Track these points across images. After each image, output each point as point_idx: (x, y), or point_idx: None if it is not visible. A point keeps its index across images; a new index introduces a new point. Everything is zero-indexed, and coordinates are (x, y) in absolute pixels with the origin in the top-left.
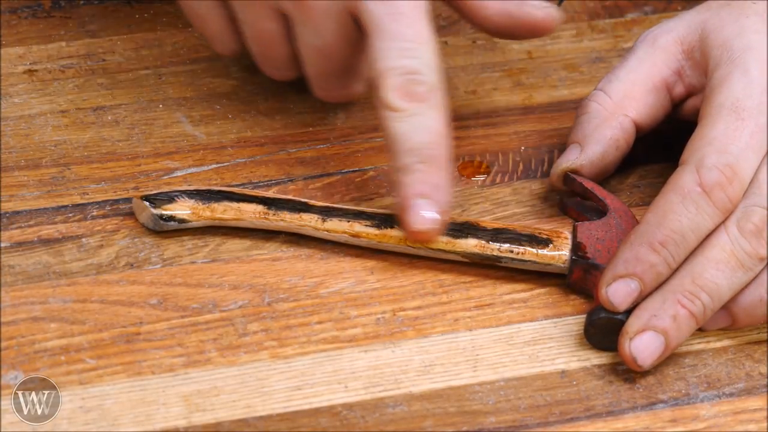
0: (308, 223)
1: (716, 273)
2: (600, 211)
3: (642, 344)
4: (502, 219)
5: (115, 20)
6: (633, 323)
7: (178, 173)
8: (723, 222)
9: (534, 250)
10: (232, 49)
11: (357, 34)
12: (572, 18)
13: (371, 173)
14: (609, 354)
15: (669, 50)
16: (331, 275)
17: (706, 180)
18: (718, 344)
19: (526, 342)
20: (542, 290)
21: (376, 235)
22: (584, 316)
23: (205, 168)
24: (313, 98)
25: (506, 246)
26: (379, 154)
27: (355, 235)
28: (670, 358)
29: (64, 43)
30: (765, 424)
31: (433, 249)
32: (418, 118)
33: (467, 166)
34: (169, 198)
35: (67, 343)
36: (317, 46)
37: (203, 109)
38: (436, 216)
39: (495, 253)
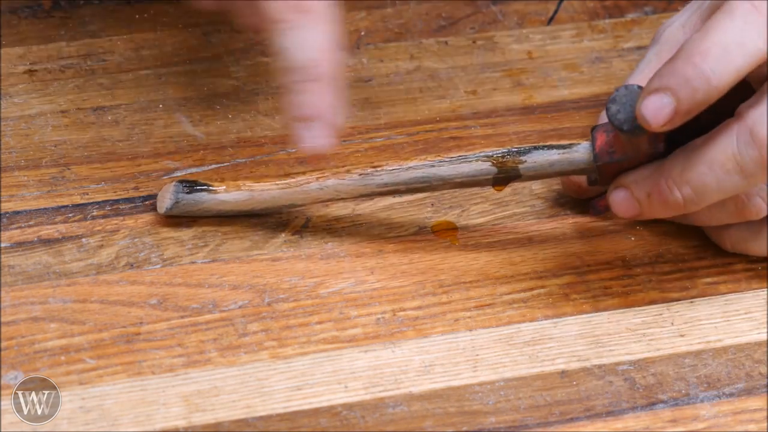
0: (329, 172)
1: (706, 171)
2: None
3: (618, 198)
4: (502, 219)
5: (115, 20)
6: (622, 176)
7: (178, 173)
8: (736, 122)
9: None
10: None
11: None
12: (572, 18)
13: None
14: (609, 354)
15: (671, 40)
16: (331, 275)
17: None
18: (718, 344)
19: (526, 342)
20: (542, 290)
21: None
22: (584, 316)
23: (205, 168)
24: None
25: (527, 147)
26: (379, 154)
27: (379, 166)
28: (669, 359)
29: (64, 43)
30: (765, 424)
31: (453, 156)
32: (302, 32)
33: None
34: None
35: (67, 343)
36: None
37: (203, 109)
38: (326, 137)
39: (517, 155)
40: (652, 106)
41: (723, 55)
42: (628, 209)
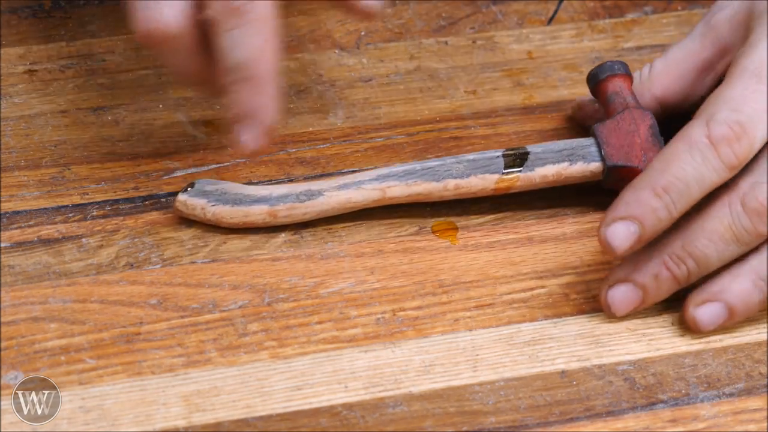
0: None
1: (708, 244)
2: None
3: (619, 294)
4: (502, 219)
5: (115, 20)
6: (615, 272)
7: (178, 173)
8: (727, 193)
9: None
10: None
11: None
12: (572, 18)
13: None
14: (609, 354)
15: (718, 29)
16: (331, 275)
17: (715, 133)
18: (718, 344)
19: (526, 342)
20: (542, 290)
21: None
22: (584, 316)
23: (205, 168)
24: (313, 98)
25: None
26: (379, 154)
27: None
28: (669, 359)
29: (64, 43)
30: (765, 424)
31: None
32: (237, 33)
33: None
34: None
35: (67, 343)
36: None
37: (203, 109)
38: (256, 137)
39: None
40: (621, 233)
41: (684, 189)
42: (631, 303)
